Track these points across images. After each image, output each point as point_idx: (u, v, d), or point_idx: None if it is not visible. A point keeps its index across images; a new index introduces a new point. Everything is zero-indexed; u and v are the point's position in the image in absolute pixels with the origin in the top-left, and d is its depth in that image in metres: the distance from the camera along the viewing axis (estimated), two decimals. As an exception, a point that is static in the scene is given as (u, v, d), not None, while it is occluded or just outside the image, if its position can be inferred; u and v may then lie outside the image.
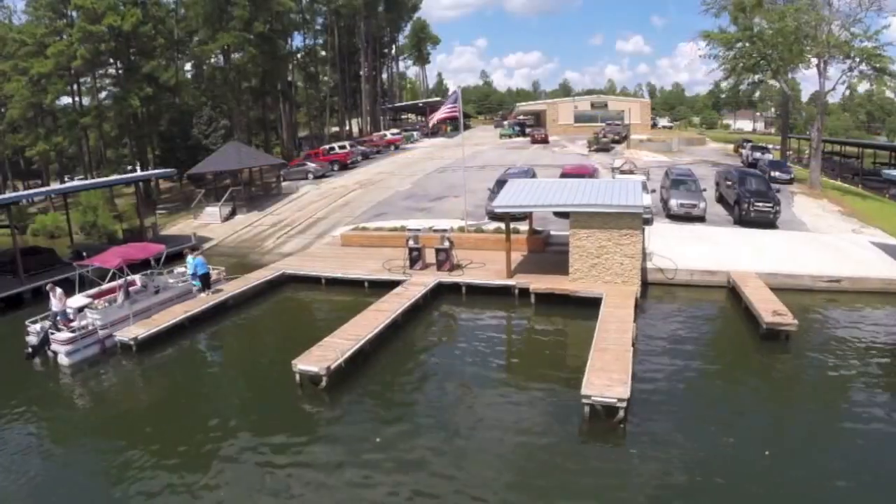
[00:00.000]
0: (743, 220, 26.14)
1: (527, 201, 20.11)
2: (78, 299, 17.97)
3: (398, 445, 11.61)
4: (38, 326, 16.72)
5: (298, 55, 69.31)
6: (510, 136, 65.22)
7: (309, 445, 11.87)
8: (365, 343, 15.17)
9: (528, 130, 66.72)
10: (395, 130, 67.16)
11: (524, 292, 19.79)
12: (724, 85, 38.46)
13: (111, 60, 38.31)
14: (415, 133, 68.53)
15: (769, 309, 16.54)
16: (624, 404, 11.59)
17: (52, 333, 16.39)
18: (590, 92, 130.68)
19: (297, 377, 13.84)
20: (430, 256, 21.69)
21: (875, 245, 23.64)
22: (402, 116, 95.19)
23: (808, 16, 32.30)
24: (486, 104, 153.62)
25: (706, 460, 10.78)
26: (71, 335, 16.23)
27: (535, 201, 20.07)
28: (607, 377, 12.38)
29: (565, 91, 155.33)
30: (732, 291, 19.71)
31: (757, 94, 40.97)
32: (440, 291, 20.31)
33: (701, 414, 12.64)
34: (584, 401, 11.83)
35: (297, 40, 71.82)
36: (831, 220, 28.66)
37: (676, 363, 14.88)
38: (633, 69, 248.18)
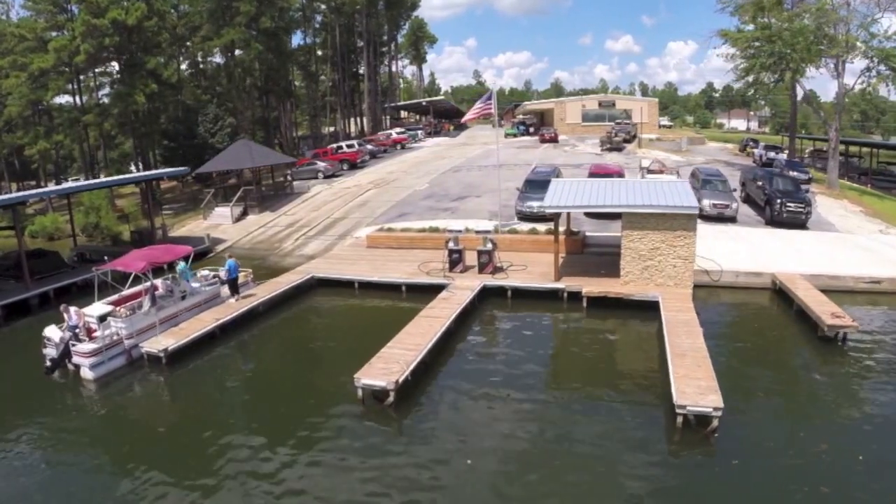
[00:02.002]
0: (774, 221, 25.37)
1: (576, 201, 18.79)
2: (98, 307, 16.27)
3: (489, 466, 10.49)
4: (56, 337, 15.03)
5: (299, 53, 67.33)
6: (515, 136, 63.92)
7: (390, 471, 10.43)
8: (426, 353, 13.72)
9: (531, 129, 65.52)
10: (400, 129, 65.51)
11: (573, 296, 18.68)
12: (738, 85, 37.27)
13: (114, 56, 36.30)
14: (419, 132, 67.04)
15: (827, 311, 15.92)
16: (719, 413, 10.90)
17: (74, 345, 14.73)
18: (585, 91, 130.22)
19: (360, 392, 12.35)
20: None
21: None
22: (403, 115, 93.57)
23: (827, 16, 31.51)
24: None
25: (806, 468, 10.29)
26: (95, 346, 14.59)
27: (585, 201, 18.76)
28: (696, 385, 11.68)
29: (557, 90, 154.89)
30: (779, 293, 19.19)
31: (769, 94, 39.70)
32: (484, 295, 18.91)
33: (785, 420, 12.10)
34: (679, 411, 11.10)
35: (297, 38, 70.24)
36: (857, 220, 28.09)
37: (745, 367, 14.33)
38: (622, 69, 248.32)
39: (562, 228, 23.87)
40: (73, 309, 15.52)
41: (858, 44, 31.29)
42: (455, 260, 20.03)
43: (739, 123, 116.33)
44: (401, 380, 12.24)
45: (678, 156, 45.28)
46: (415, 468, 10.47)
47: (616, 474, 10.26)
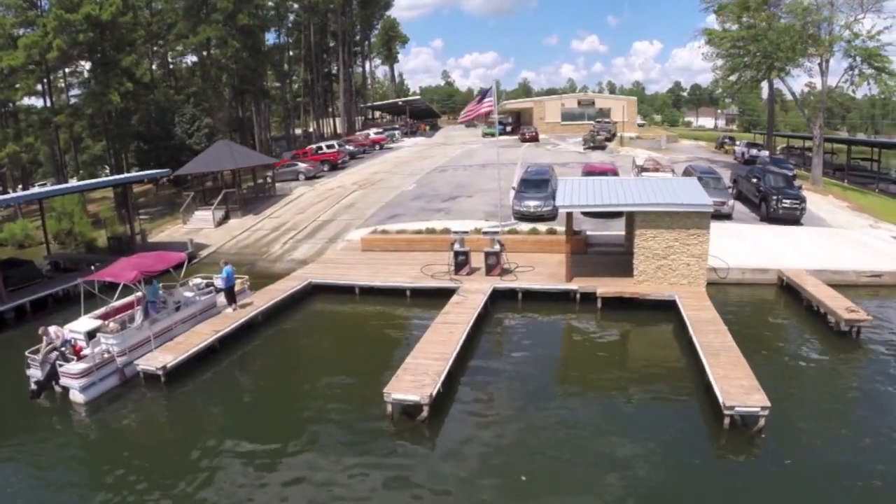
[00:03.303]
0: (770, 217, 25.23)
1: (589, 201, 18.09)
2: (85, 322, 14.86)
3: (545, 478, 9.84)
4: (39, 356, 13.57)
5: (273, 53, 65.26)
6: (493, 136, 63.23)
7: (443, 498, 9.49)
8: (452, 363, 12.78)
9: (508, 129, 65.05)
10: (378, 129, 64.22)
11: (586, 296, 18.01)
12: (722, 83, 37.33)
13: (87, 54, 34.13)
14: (396, 132, 65.90)
15: (841, 306, 15.80)
16: (766, 412, 10.60)
17: (61, 365, 13.31)
18: (552, 91, 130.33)
19: (389, 408, 11.33)
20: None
21: None
22: (375, 116, 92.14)
23: (813, 15, 31.68)
24: (450, 104, 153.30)
25: (855, 464, 10.03)
26: (85, 366, 13.17)
27: (598, 201, 18.05)
28: (738, 385, 11.35)
29: (525, 90, 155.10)
30: (786, 289, 19.07)
31: (752, 90, 39.91)
32: (494, 298, 18.02)
33: (823, 416, 11.83)
34: (727, 412, 10.72)
35: (270, 38, 68.07)
36: (846, 215, 28.32)
37: (769, 364, 13.86)
38: (588, 69, 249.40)
39: (562, 228, 23.30)
40: (52, 329, 14.01)
41: (842, 43, 31.52)
42: (461, 262, 19.11)
43: (707, 121, 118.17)
44: (434, 393, 11.29)
45: (659, 153, 45.27)
46: (468, 487, 9.63)
47: (672, 480, 9.81)
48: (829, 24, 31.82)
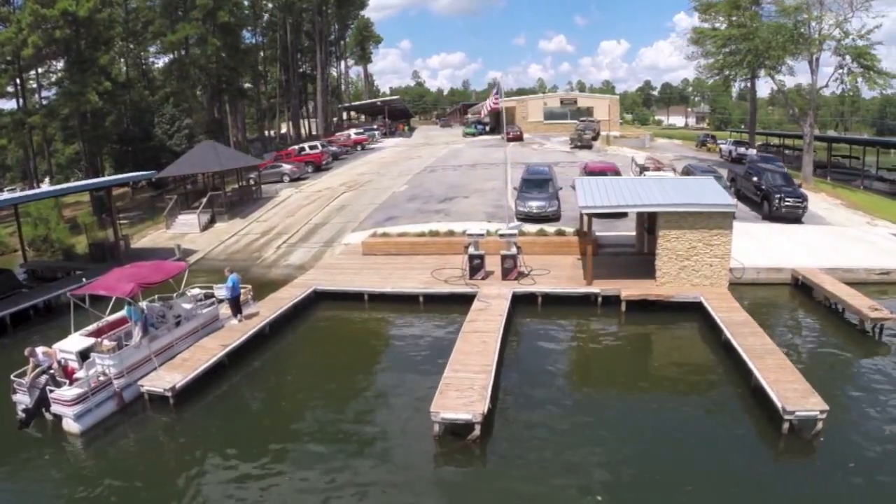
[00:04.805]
0: (773, 216, 24.81)
1: (612, 202, 17.15)
2: (76, 340, 13.22)
3: (621, 496, 9.10)
4: (27, 380, 11.94)
5: (250, 52, 62.96)
6: (474, 135, 62.49)
7: None
8: (495, 375, 11.68)
9: (487, 128, 64.23)
10: (358, 130, 62.60)
11: (608, 300, 17.17)
12: (711, 81, 37.12)
13: (64, 51, 31.73)
14: (375, 133, 64.42)
15: (865, 304, 15.41)
16: (825, 415, 10.18)
17: (52, 390, 11.72)
18: (521, 91, 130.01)
19: (437, 428, 10.15)
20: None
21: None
22: (351, 116, 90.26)
23: (805, 14, 31.51)
24: (421, 104, 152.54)
25: None
26: (79, 392, 11.58)
27: (621, 201, 17.14)
28: (791, 388, 10.87)
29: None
30: (801, 288, 18.66)
31: (745, 78, 39.61)
32: (514, 303, 16.89)
33: (876, 416, 11.26)
34: (787, 417, 10.22)
35: (245, 37, 65.61)
36: (843, 213, 28.14)
37: (806, 364, 13.19)
38: (556, 68, 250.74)
39: (570, 230, 22.41)
40: (40, 350, 12.42)
41: (831, 41, 31.40)
42: (476, 266, 17.97)
43: (678, 120, 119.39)
44: (485, 410, 10.19)
45: (645, 152, 44.85)
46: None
47: (745, 491, 9.22)
48: (819, 22, 31.62)
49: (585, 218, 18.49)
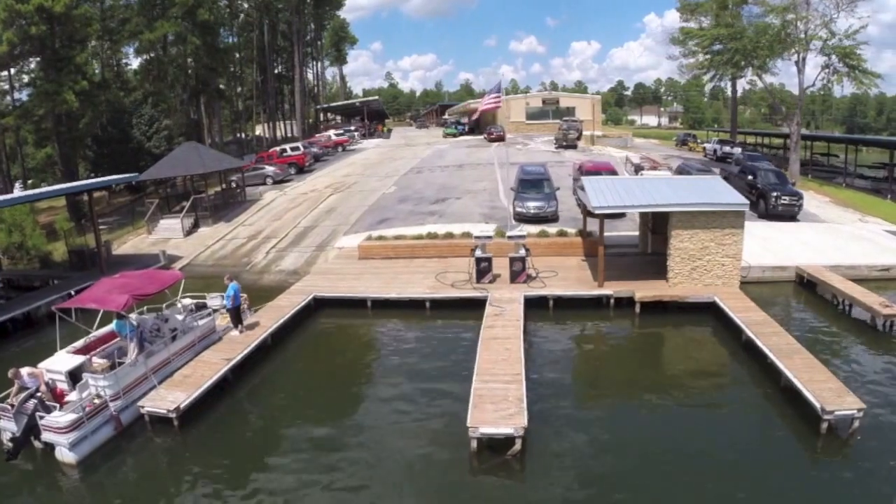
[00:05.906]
0: (769, 214, 24.73)
1: (624, 202, 16.60)
2: (64, 359, 12.04)
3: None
4: (11, 404, 10.77)
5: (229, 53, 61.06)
6: (455, 136, 61.80)
7: None
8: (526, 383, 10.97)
9: (467, 129, 63.62)
10: (339, 131, 61.29)
11: (619, 301, 16.65)
12: (695, 80, 37.08)
13: (39, 49, 29.81)
14: (355, 134, 63.20)
15: (875, 301, 15.36)
16: (861, 414, 10.08)
17: (41, 417, 10.57)
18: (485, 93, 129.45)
19: (475, 444, 9.39)
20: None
21: (891, 234, 23.27)
22: (330, 117, 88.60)
23: (793, 14, 31.59)
24: (395, 105, 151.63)
25: None
26: (74, 417, 10.47)
27: (634, 201, 16.62)
28: (826, 388, 10.67)
29: (467, 91, 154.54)
30: (806, 285, 18.56)
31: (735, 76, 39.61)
32: (525, 306, 16.20)
33: None
34: (826, 416, 10.02)
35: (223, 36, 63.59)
36: (835, 210, 28.24)
37: (828, 361, 12.80)
38: (527, 69, 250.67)
39: (573, 230, 21.84)
40: (25, 371, 11.21)
41: (818, 42, 31.50)
42: (484, 269, 17.21)
43: (651, 120, 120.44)
44: (525, 422, 9.49)
45: (628, 151, 44.69)
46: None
47: (791, 493, 9.00)
48: (805, 23, 31.72)
49: (591, 218, 17.87)
